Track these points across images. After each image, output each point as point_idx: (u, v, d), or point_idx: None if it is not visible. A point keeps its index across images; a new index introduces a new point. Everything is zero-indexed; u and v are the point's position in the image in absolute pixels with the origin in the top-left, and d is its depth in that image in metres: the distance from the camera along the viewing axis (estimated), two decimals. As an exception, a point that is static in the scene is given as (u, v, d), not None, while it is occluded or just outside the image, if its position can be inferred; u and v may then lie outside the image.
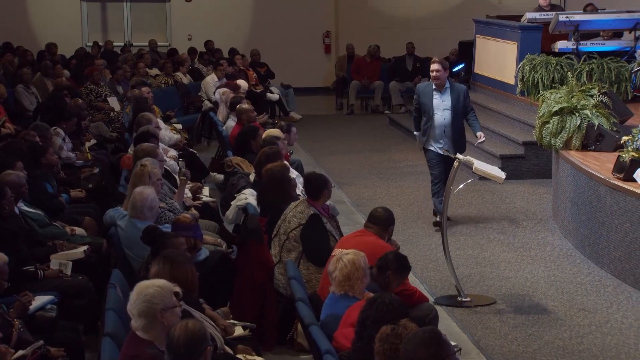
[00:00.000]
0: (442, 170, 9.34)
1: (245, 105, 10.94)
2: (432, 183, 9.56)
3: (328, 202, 8.76)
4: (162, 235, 5.59)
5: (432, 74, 9.27)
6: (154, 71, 16.08)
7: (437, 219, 9.37)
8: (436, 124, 9.29)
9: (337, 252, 6.10)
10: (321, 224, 6.63)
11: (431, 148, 9.41)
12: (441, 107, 9.29)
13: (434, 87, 9.29)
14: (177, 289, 4.48)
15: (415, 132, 9.78)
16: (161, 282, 4.43)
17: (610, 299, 7.54)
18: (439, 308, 7.27)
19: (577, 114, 9.39)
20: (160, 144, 9.48)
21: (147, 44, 18.92)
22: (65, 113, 9.80)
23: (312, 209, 6.68)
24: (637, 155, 7.91)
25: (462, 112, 9.35)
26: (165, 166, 8.91)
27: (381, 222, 6.33)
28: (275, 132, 9.37)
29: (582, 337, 6.81)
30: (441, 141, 9.33)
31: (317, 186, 6.83)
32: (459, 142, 9.39)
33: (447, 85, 9.31)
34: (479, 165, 7.56)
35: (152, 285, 4.36)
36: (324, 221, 6.69)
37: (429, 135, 9.35)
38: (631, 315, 7.17)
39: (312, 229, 6.55)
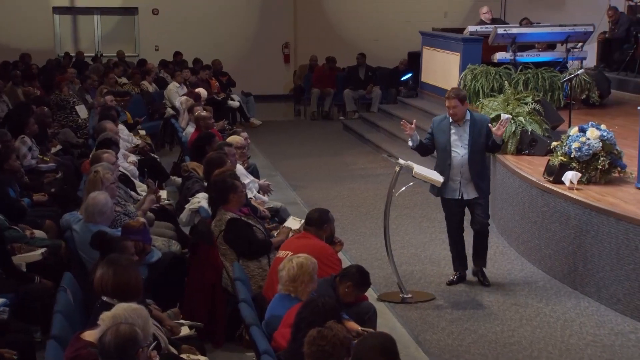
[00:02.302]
0: (460, 220, 7.74)
1: (203, 112, 10.75)
2: (449, 236, 7.91)
3: (279, 205, 8.70)
4: (110, 240, 5.42)
5: (449, 111, 7.44)
6: (122, 80, 15.84)
7: (453, 278, 7.87)
8: (453, 163, 7.49)
9: (281, 253, 6.01)
10: (240, 224, 6.52)
11: (447, 196, 7.64)
12: (459, 143, 7.46)
13: (450, 120, 7.50)
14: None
15: (410, 143, 7.69)
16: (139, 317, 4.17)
17: (540, 294, 7.50)
18: (381, 304, 7.23)
19: (512, 121, 9.36)
20: (121, 150, 9.32)
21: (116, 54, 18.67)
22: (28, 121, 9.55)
23: (228, 214, 6.56)
24: (565, 160, 7.89)
25: (484, 149, 7.56)
26: (124, 170, 8.76)
27: (315, 222, 6.23)
28: (235, 138, 9.20)
29: (514, 330, 6.75)
30: (457, 182, 7.55)
31: (221, 191, 6.69)
32: (479, 186, 7.54)
33: (468, 117, 7.47)
34: (419, 169, 7.45)
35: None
36: (243, 219, 6.59)
37: (445, 177, 7.51)
38: (559, 309, 7.14)
39: (234, 232, 6.45)
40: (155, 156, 11.08)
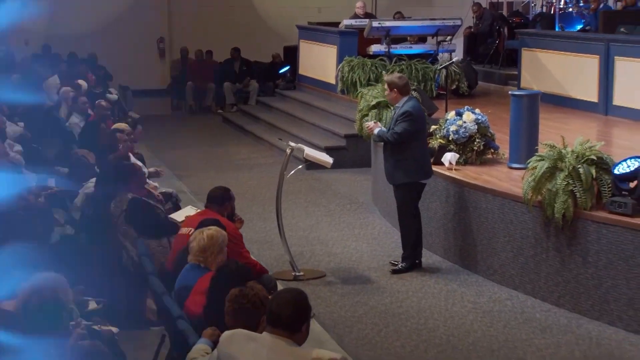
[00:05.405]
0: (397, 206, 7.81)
1: (103, 102, 10.74)
2: None
3: (171, 190, 8.79)
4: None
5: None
6: (-7, 73, 15.38)
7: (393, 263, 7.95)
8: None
9: (184, 230, 6.14)
10: (141, 203, 6.66)
11: None
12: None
13: None
14: None
15: None
16: None
17: (424, 268, 7.90)
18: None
19: (391, 107, 9.77)
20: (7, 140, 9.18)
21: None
22: None
23: (129, 194, 6.69)
24: (444, 142, 8.36)
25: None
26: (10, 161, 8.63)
27: (216, 200, 6.42)
28: (121, 125, 9.23)
29: (402, 301, 7.14)
30: None
31: (123, 173, 6.85)
32: (388, 171, 7.70)
33: (400, 104, 7.59)
34: (309, 151, 7.76)
35: None
36: (144, 199, 6.73)
37: None
38: (441, 281, 7.59)
39: (135, 211, 6.57)
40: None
